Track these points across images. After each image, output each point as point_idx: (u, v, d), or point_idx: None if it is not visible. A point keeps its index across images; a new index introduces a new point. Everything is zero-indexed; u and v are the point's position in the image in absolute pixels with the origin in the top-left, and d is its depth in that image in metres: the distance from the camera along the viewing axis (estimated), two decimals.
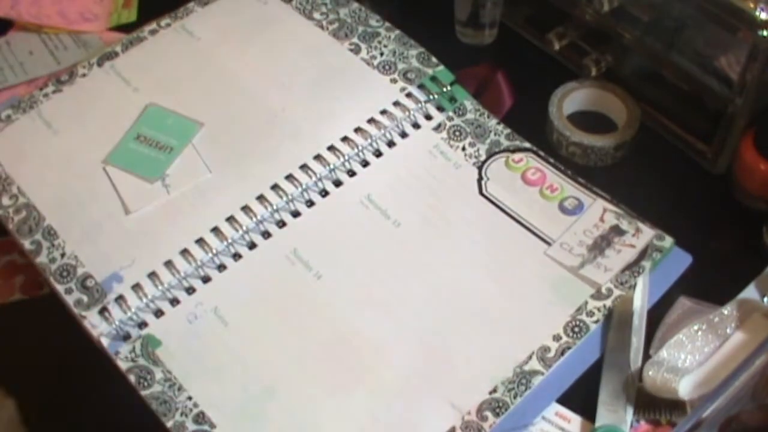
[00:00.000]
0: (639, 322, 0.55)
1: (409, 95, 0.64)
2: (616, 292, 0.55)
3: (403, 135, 0.63)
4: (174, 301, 0.56)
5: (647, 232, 0.57)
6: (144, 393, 0.53)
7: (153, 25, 0.71)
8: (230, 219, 0.59)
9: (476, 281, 0.56)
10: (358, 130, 0.63)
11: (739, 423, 0.49)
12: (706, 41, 0.60)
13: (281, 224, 0.59)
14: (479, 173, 0.61)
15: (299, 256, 0.58)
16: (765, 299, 0.56)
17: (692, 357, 0.53)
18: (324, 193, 0.61)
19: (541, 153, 0.62)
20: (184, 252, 0.57)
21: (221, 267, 0.58)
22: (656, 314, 0.56)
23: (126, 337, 0.55)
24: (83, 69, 0.69)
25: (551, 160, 0.62)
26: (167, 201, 0.60)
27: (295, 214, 0.60)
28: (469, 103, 0.65)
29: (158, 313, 0.56)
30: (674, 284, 0.57)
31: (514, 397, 0.51)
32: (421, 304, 0.56)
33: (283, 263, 0.58)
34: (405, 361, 0.53)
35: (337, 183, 0.61)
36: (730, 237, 0.61)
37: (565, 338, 0.53)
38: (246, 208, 0.59)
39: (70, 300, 0.56)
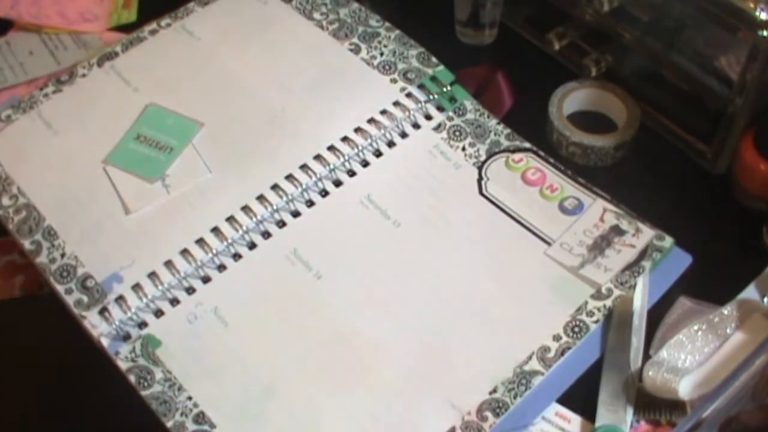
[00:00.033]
0: (639, 322, 0.55)
1: (409, 95, 0.64)
2: (616, 292, 0.55)
3: (403, 135, 0.63)
4: (174, 301, 0.56)
5: (647, 232, 0.57)
6: (144, 393, 0.53)
7: (153, 25, 0.71)
8: (230, 219, 0.59)
9: (476, 281, 0.56)
10: (358, 130, 0.63)
11: (739, 423, 0.49)
12: (706, 41, 0.60)
13: (281, 224, 0.59)
14: (479, 173, 0.61)
15: (299, 256, 0.58)
16: (765, 299, 0.56)
17: (692, 357, 0.53)
18: (324, 193, 0.61)
19: (541, 153, 0.62)
20: (184, 252, 0.57)
21: (221, 267, 0.58)
22: (656, 314, 0.56)
23: (126, 337, 0.55)
24: (83, 69, 0.69)
25: (551, 160, 0.62)
26: (167, 201, 0.60)
27: (295, 214, 0.60)
28: (469, 103, 0.65)
29: (158, 313, 0.56)
30: (674, 284, 0.57)
31: (514, 398, 0.51)
32: (421, 304, 0.56)
33: (283, 263, 0.58)
34: (405, 361, 0.53)
35: (337, 183, 0.61)
36: (730, 237, 0.61)
37: (565, 338, 0.53)
38: (246, 208, 0.59)
39: (70, 300, 0.56)
